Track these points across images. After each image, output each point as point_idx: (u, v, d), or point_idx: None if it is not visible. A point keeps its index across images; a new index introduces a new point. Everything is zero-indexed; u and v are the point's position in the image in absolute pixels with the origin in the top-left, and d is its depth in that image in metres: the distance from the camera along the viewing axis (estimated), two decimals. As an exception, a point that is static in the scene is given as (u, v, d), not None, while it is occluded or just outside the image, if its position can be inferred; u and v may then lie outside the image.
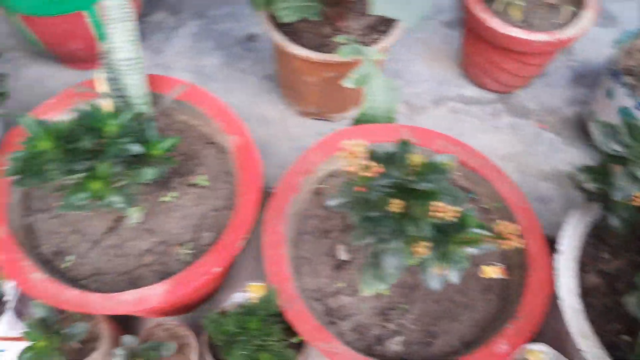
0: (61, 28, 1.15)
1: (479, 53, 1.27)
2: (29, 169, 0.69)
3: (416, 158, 0.59)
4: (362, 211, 0.63)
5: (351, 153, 0.60)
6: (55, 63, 1.35)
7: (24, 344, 0.93)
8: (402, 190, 0.59)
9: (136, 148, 0.76)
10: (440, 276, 0.67)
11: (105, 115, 0.73)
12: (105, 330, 0.93)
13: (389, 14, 0.88)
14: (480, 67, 1.30)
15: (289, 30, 1.10)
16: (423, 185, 0.56)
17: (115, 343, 0.97)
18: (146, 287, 0.79)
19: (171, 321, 0.96)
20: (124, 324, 1.04)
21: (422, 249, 0.58)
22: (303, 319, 0.77)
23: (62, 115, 0.93)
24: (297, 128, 1.29)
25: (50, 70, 1.35)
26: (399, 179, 0.59)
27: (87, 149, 0.71)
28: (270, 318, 0.77)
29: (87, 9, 1.10)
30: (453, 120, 1.32)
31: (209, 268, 0.79)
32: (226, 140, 0.93)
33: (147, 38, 1.42)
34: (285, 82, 1.23)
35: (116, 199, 0.75)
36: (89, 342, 0.93)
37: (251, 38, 1.43)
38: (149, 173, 0.80)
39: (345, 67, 1.08)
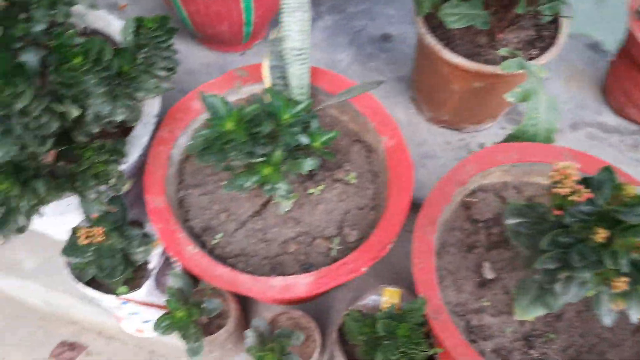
0: (213, 10, 1.17)
1: (631, 80, 1.20)
2: (212, 146, 0.71)
3: (630, 188, 0.56)
4: (550, 235, 0.60)
5: (561, 174, 0.58)
6: (196, 43, 1.39)
7: (157, 311, 0.97)
8: (606, 220, 0.56)
9: (304, 139, 0.77)
10: (617, 312, 0.64)
11: (284, 103, 0.74)
12: (233, 310, 0.94)
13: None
14: (627, 95, 1.23)
15: (441, 35, 1.08)
16: (634, 218, 0.53)
17: (240, 323, 1.00)
18: (293, 276, 0.79)
19: (295, 311, 0.97)
20: (242, 305, 1.06)
21: (621, 284, 0.55)
22: (449, 332, 0.75)
23: (225, 96, 0.95)
24: (425, 134, 1.27)
25: (191, 49, 1.39)
26: (604, 207, 0.56)
27: (264, 134, 0.72)
28: (417, 327, 0.75)
29: (245, -7, 1.13)
30: (589, 148, 1.26)
31: (357, 267, 0.79)
32: (377, 140, 0.92)
33: (285, 27, 1.43)
34: (424, 86, 1.22)
35: (282, 186, 0.76)
36: (215, 318, 0.96)
37: (386, 38, 1.42)
38: (309, 164, 0.80)
39: (496, 79, 1.05)
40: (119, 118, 0.69)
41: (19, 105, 0.59)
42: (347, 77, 0.97)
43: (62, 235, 1.17)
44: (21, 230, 0.70)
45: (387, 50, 1.40)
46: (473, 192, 0.90)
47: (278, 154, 0.73)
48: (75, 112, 0.66)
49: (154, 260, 0.91)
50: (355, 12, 1.47)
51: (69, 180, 0.76)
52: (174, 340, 1.19)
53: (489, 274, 0.84)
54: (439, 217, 0.83)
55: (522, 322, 0.81)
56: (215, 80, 0.96)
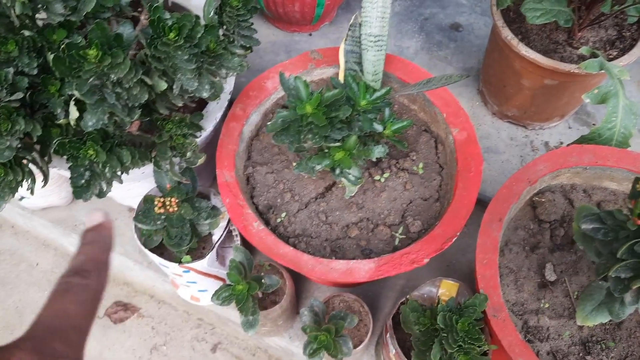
0: (288, -11, 1.18)
1: None
2: (289, 127, 0.72)
3: None
4: (628, 244, 0.59)
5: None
6: (264, 20, 1.40)
7: (214, 281, 1.00)
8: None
9: (379, 126, 0.77)
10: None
11: (362, 89, 0.74)
12: (288, 287, 0.96)
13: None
14: None
15: (516, 29, 1.06)
16: None
17: (292, 300, 1.02)
18: (355, 261, 0.80)
19: (349, 294, 0.98)
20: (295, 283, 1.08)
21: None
22: (508, 331, 0.75)
23: (294, 77, 0.96)
24: (489, 128, 1.26)
25: (259, 26, 1.40)
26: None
27: (341, 119, 0.72)
28: (475, 322, 0.76)
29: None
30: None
31: (420, 257, 0.79)
32: (446, 132, 0.91)
33: (353, 10, 1.43)
34: (493, 79, 1.20)
35: (353, 172, 0.77)
36: (269, 294, 0.98)
37: (456, 27, 1.40)
38: (379, 151, 0.80)
39: (570, 78, 1.03)
40: (205, 95, 0.71)
41: (116, 75, 0.61)
42: (417, 65, 0.97)
43: (125, 200, 1.21)
44: (102, 194, 0.73)
45: (455, 39, 1.38)
46: (541, 192, 0.89)
47: (353, 139, 0.74)
48: (163, 85, 0.68)
49: (218, 232, 0.93)
50: (425, 0, 1.45)
51: (149, 150, 0.79)
52: (223, 310, 1.23)
53: (550, 276, 0.83)
54: (506, 215, 0.82)
55: (580, 327, 0.80)
56: (289, 60, 0.97)
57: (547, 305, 0.81)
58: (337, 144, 0.74)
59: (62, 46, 0.59)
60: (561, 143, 1.23)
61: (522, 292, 0.82)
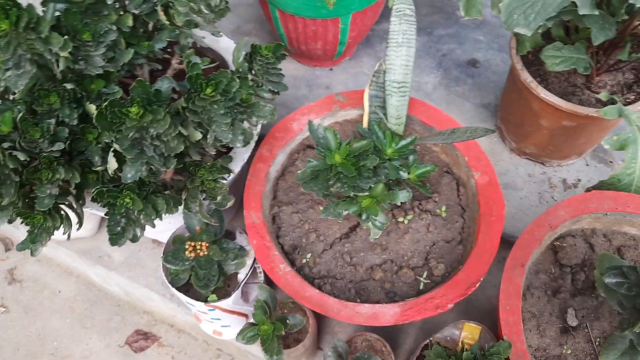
0: (311, 29, 1.21)
1: None
2: (318, 176, 0.74)
3: None
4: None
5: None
6: (286, 56, 1.43)
7: (238, 318, 1.01)
8: None
9: (405, 174, 0.79)
10: None
11: (389, 138, 0.76)
12: (310, 326, 0.98)
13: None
14: None
15: (535, 72, 1.08)
16: None
17: (315, 339, 1.03)
18: (380, 305, 0.82)
19: (371, 333, 0.99)
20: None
21: None
22: (532, 378, 0.76)
23: (320, 119, 0.99)
24: (507, 164, 1.27)
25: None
26: None
27: (369, 167, 0.74)
28: (499, 369, 0.77)
29: (348, 16, 1.15)
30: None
31: (444, 302, 0.81)
32: (468, 175, 0.93)
33: (373, 46, 1.46)
34: (511, 117, 1.21)
35: (380, 218, 0.79)
36: (292, 332, 0.99)
37: (473, 63, 1.42)
38: (403, 196, 0.82)
39: (589, 120, 1.04)
40: (238, 145, 0.73)
41: (156, 130, 0.64)
42: (438, 107, 0.99)
43: (149, 232, 1.24)
44: (135, 239, 0.75)
45: (473, 75, 1.40)
46: (562, 237, 0.90)
47: (380, 187, 0.76)
48: (198, 135, 0.71)
49: (244, 271, 0.95)
50: (443, 35, 1.48)
51: (180, 194, 0.81)
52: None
53: (572, 321, 0.84)
54: (528, 260, 0.84)
55: (603, 374, 0.81)
56: (315, 103, 1.00)
57: (569, 351, 0.82)
58: (365, 193, 0.76)
59: (105, 103, 0.62)
60: (579, 180, 1.24)
61: (544, 337, 0.83)
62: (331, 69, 1.42)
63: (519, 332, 0.79)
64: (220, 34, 0.83)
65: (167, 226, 0.95)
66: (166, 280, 0.92)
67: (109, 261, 1.24)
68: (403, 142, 0.78)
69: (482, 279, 0.82)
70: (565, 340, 0.83)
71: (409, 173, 0.83)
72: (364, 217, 0.80)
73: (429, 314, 0.80)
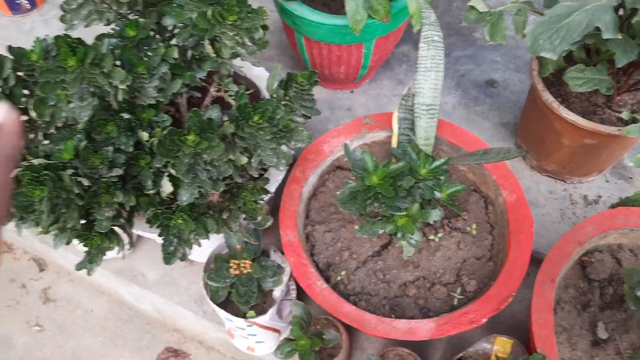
0: (335, 54, 1.26)
1: None
2: (356, 197, 0.78)
3: None
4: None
5: None
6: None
7: (272, 334, 1.05)
8: None
9: (439, 194, 0.83)
10: None
11: (422, 159, 0.80)
12: (344, 342, 1.01)
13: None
14: None
15: (555, 92, 1.12)
16: None
17: (348, 353, 1.06)
18: (416, 321, 0.85)
19: (403, 348, 1.02)
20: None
21: None
22: (566, 389, 0.79)
23: (349, 141, 1.03)
24: (528, 181, 1.31)
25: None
26: None
27: (405, 188, 0.78)
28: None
29: (371, 41, 1.20)
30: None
31: (478, 317, 0.84)
32: (496, 193, 0.97)
33: (392, 68, 1.51)
34: (531, 136, 1.25)
35: (415, 236, 0.82)
36: (326, 347, 1.02)
37: (491, 83, 1.46)
38: (436, 214, 0.86)
39: (610, 138, 1.08)
40: (281, 168, 0.78)
41: (210, 156, 0.68)
42: (448, 119, 1.03)
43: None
44: (184, 258, 0.79)
45: (491, 95, 1.45)
46: (590, 252, 0.93)
47: (416, 206, 0.80)
48: (244, 160, 0.75)
49: (279, 288, 0.99)
50: (461, 57, 1.53)
51: (221, 215, 0.85)
52: (271, 357, 1.27)
53: (602, 334, 0.87)
54: (558, 276, 0.87)
55: (634, 386, 0.84)
56: (344, 125, 1.04)
57: (600, 363, 0.85)
58: (403, 213, 0.80)
59: (164, 132, 0.66)
60: (599, 197, 1.27)
61: (575, 351, 0.86)
62: (352, 92, 1.47)
63: (551, 346, 0.82)
64: (259, 63, 0.88)
65: (202, 246, 0.99)
66: (207, 297, 0.95)
67: (143, 280, 1.28)
68: (436, 163, 0.82)
69: (514, 294, 0.85)
70: (596, 352, 0.86)
71: (440, 192, 0.86)
72: (399, 235, 0.84)
73: (464, 329, 0.84)
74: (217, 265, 0.90)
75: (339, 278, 0.93)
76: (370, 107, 1.44)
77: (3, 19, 1.65)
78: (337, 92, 1.47)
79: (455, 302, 0.90)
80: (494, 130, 1.39)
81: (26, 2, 1.60)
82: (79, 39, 0.67)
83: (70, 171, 0.71)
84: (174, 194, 0.74)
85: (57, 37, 0.65)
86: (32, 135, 0.84)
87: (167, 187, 0.72)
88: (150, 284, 1.28)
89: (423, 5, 0.96)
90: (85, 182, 0.69)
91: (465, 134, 1.01)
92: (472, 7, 1.00)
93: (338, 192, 0.78)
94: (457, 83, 1.48)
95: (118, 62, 0.75)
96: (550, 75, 1.15)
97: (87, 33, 0.80)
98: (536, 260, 0.97)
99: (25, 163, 0.66)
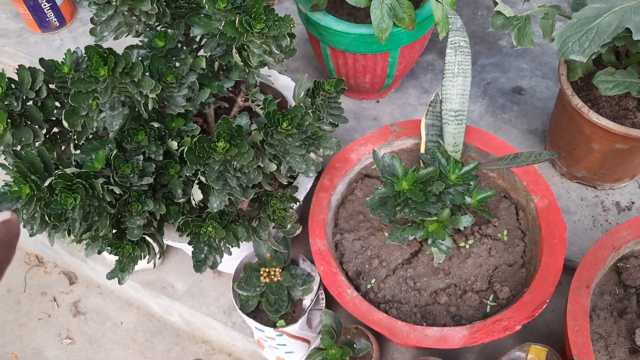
0: (361, 64, 1.26)
1: None
2: (386, 203, 0.77)
3: None
4: None
5: None
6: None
7: (302, 344, 1.04)
8: None
9: (469, 199, 0.82)
10: None
11: (452, 164, 0.80)
12: (374, 351, 1.00)
13: None
14: None
15: (585, 97, 1.10)
16: None
17: (378, 363, 1.05)
18: (449, 328, 0.84)
19: (434, 357, 1.00)
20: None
21: None
22: (606, 399, 0.77)
23: (377, 149, 1.03)
24: (559, 188, 1.28)
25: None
26: None
27: (435, 193, 0.78)
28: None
29: (397, 50, 1.20)
30: None
31: (512, 324, 0.82)
32: (527, 199, 0.95)
33: (417, 77, 1.50)
34: (562, 142, 1.23)
35: (446, 242, 0.81)
36: (356, 358, 1.01)
37: (518, 90, 1.45)
38: (466, 221, 0.85)
39: (643, 143, 1.06)
40: (310, 174, 0.78)
41: (239, 163, 0.68)
42: (494, 135, 1.02)
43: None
44: (214, 265, 0.79)
45: (518, 102, 1.43)
46: (625, 258, 0.91)
47: (447, 212, 0.79)
48: (273, 167, 0.75)
49: (309, 297, 0.98)
50: (486, 65, 1.52)
51: (250, 223, 0.86)
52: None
53: (641, 342, 0.84)
54: (594, 282, 0.85)
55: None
56: (371, 133, 1.04)
57: (640, 372, 0.82)
58: (433, 218, 0.79)
59: (194, 139, 0.67)
60: (632, 203, 1.24)
61: (613, 358, 0.83)
62: (378, 101, 1.47)
63: (589, 353, 0.80)
64: (286, 71, 0.89)
65: (227, 257, 0.99)
66: (237, 306, 0.95)
67: (172, 291, 1.29)
68: (466, 168, 0.81)
69: (548, 301, 0.83)
70: (635, 360, 0.83)
71: (470, 198, 0.85)
72: (429, 241, 0.83)
73: (497, 336, 0.82)
74: (246, 274, 0.90)
75: (369, 286, 0.92)
76: (396, 116, 1.44)
77: (33, 37, 1.70)
78: (362, 102, 1.48)
79: (488, 309, 0.88)
80: (522, 137, 1.37)
81: (55, 19, 1.65)
82: (109, 49, 0.69)
83: (102, 180, 0.72)
84: (204, 202, 0.74)
85: (88, 47, 0.66)
86: (63, 147, 0.86)
87: (197, 194, 0.73)
88: (179, 295, 1.29)
89: (449, 11, 0.96)
90: (117, 190, 0.70)
91: (493, 139, 1.00)
92: (499, 13, 1.00)
93: (368, 199, 0.78)
94: (484, 91, 1.46)
95: (147, 73, 0.76)
96: (579, 80, 1.14)
97: (116, 46, 0.82)
98: (568, 268, 0.95)
99: (58, 172, 0.68)
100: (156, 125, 0.76)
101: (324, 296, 1.04)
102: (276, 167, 0.76)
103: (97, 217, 0.70)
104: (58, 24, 1.67)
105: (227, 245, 0.77)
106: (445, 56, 0.94)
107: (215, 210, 0.71)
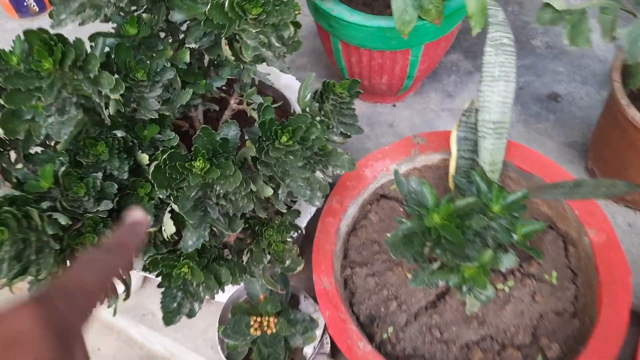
0: (377, 62, 1.09)
1: None
2: (412, 241, 0.60)
3: None
4: None
5: None
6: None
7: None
8: None
9: (515, 236, 0.65)
10: None
11: (495, 191, 0.63)
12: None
13: None
14: None
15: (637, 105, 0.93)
16: None
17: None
18: (485, 396, 0.66)
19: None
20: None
21: None
22: None
23: (396, 165, 0.86)
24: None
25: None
26: None
27: (475, 230, 0.61)
28: None
29: (420, 47, 1.03)
30: None
31: (567, 395, 0.65)
32: (579, 232, 0.78)
33: (440, 79, 1.33)
34: (610, 159, 1.06)
35: (487, 292, 0.64)
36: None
37: (554, 97, 1.28)
38: (509, 261, 0.68)
39: None
40: (317, 203, 0.61)
41: (223, 188, 0.51)
42: (537, 151, 0.85)
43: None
44: (192, 314, 0.62)
45: (554, 110, 1.26)
46: None
47: (489, 254, 0.62)
48: (269, 191, 0.58)
49: (312, 345, 0.81)
50: (519, 67, 1.34)
51: (241, 256, 0.69)
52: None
53: None
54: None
55: None
56: (390, 146, 0.87)
57: None
58: (473, 263, 0.62)
59: (164, 156, 0.50)
60: (691, 232, 1.07)
61: None
62: (394, 105, 1.30)
63: None
64: (289, 69, 0.72)
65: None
66: (222, 355, 0.78)
67: (153, 320, 1.12)
68: (513, 197, 0.63)
69: (612, 365, 0.66)
70: None
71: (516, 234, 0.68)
72: (464, 288, 0.66)
73: (549, 410, 0.65)
74: (234, 318, 0.74)
75: (385, 336, 0.75)
76: (415, 123, 1.27)
77: (9, 23, 1.53)
78: (377, 106, 1.31)
79: (535, 372, 0.71)
80: (560, 151, 1.20)
81: (34, 4, 1.48)
82: (59, 35, 0.52)
83: (47, 204, 0.55)
84: (178, 235, 0.58)
85: (26, 32, 0.49)
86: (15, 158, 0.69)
87: (169, 226, 0.56)
88: (161, 325, 1.11)
89: (489, 1, 0.78)
90: (63, 220, 0.53)
91: (538, 157, 0.83)
92: (548, 5, 0.82)
93: (389, 235, 0.61)
94: (516, 97, 1.29)
95: (114, 67, 0.59)
96: (634, 89, 0.96)
97: (84, 35, 0.65)
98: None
99: (-14, 195, 0.51)
100: (120, 134, 0.59)
101: (329, 340, 0.87)
102: (272, 191, 0.59)
103: (36, 254, 0.53)
104: (37, 9, 1.50)
105: (209, 290, 0.60)
106: (482, 55, 0.76)
107: (190, 249, 0.54)
